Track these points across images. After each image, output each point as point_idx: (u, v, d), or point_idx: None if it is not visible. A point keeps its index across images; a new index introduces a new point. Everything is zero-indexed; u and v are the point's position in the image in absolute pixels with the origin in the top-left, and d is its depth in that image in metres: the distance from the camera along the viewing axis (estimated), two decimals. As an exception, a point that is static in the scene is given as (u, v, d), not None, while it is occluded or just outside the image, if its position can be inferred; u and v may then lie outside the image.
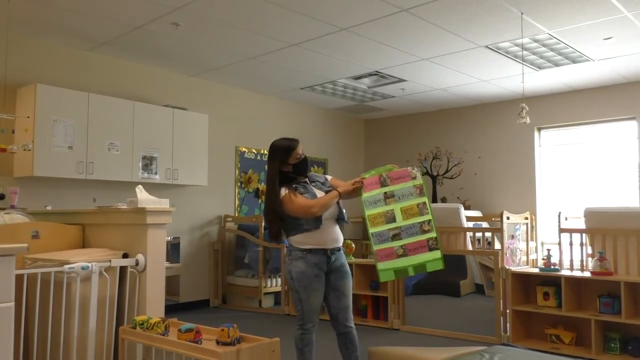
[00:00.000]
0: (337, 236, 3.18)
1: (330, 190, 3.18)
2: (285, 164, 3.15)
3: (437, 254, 2.97)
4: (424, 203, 3.01)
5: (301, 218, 3.06)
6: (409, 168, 3.10)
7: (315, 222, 3.07)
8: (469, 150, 8.23)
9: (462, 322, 5.13)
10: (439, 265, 2.97)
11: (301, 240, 3.10)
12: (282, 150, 3.15)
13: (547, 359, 2.64)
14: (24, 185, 5.10)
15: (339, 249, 3.20)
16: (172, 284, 6.26)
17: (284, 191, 3.09)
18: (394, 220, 3.02)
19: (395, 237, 3.01)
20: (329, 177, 3.33)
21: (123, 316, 3.29)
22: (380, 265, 3.01)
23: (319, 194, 3.14)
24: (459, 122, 8.35)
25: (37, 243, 3.44)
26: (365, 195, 3.09)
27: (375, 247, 3.02)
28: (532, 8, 4.55)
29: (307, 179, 3.24)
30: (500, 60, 5.94)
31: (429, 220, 2.98)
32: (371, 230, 3.05)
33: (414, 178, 3.06)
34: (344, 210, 3.20)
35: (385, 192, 3.06)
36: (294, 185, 3.13)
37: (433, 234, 2.97)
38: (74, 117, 5.22)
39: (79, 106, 5.27)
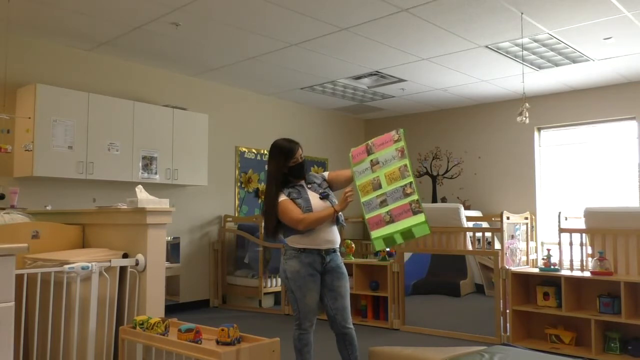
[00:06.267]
0: (333, 237, 3.17)
1: (326, 191, 3.19)
2: (283, 166, 3.16)
3: (421, 217, 2.84)
4: (405, 165, 2.92)
5: None
6: (392, 132, 3.01)
7: None
8: (469, 150, 8.23)
9: (462, 322, 5.13)
10: (425, 230, 2.84)
11: (296, 240, 3.12)
12: (282, 151, 3.16)
13: (547, 359, 2.64)
14: (24, 185, 5.10)
15: (334, 250, 3.20)
16: (172, 284, 6.26)
17: (282, 197, 3.10)
18: (380, 187, 2.97)
19: (383, 203, 2.95)
20: (325, 175, 3.32)
21: (123, 316, 3.29)
22: (373, 234, 2.98)
23: (313, 197, 3.14)
24: (459, 122, 8.35)
25: (37, 243, 3.44)
26: (354, 166, 3.09)
27: (367, 216, 2.99)
28: (532, 8, 4.55)
29: (303, 181, 3.23)
30: (500, 60, 5.95)
31: (410, 183, 2.89)
32: (362, 199, 3.02)
33: (397, 141, 2.97)
34: (341, 212, 3.19)
35: (371, 160, 3.02)
36: (288, 191, 3.13)
37: (415, 197, 2.86)
38: (74, 117, 5.22)
39: (79, 106, 5.27)
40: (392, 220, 2.91)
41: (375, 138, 3.07)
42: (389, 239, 2.93)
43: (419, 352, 3.09)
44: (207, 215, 6.89)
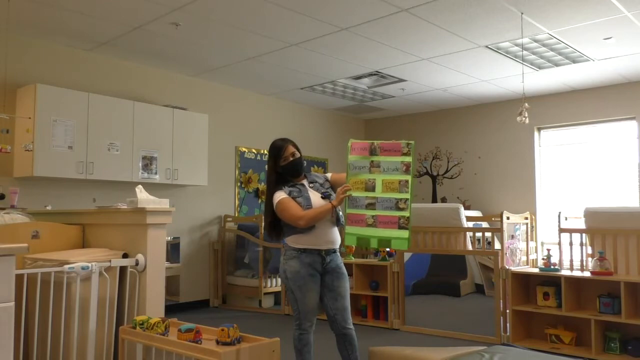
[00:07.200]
0: (333, 238, 3.17)
1: (328, 191, 3.19)
2: (276, 165, 3.18)
3: (405, 233, 2.93)
4: (407, 181, 2.97)
5: None
6: (402, 142, 3.03)
7: None
8: (469, 150, 8.23)
9: (462, 322, 5.13)
10: (404, 246, 2.94)
11: (295, 240, 3.12)
12: (273, 150, 3.21)
13: (547, 359, 2.64)
14: (24, 185, 5.10)
15: (334, 251, 3.20)
16: (172, 284, 6.27)
17: (280, 195, 3.10)
18: (373, 190, 3.01)
19: (370, 205, 3.00)
20: (329, 175, 3.32)
21: (123, 316, 3.29)
22: (348, 229, 3.04)
23: (314, 196, 3.14)
24: (459, 122, 8.35)
25: (37, 243, 3.44)
26: (352, 158, 3.07)
27: (348, 211, 3.04)
28: (532, 8, 4.55)
29: (305, 180, 3.24)
30: (500, 60, 5.95)
31: (407, 200, 2.95)
32: (348, 193, 3.05)
33: (405, 154, 3.00)
34: (341, 213, 3.19)
35: (372, 161, 3.04)
36: (289, 189, 3.13)
37: (407, 214, 2.93)
38: (74, 117, 5.22)
39: (79, 106, 5.27)
40: (374, 225, 2.99)
41: (382, 141, 3.06)
42: (363, 240, 3.01)
43: (419, 352, 3.09)
44: (207, 215, 6.89)
